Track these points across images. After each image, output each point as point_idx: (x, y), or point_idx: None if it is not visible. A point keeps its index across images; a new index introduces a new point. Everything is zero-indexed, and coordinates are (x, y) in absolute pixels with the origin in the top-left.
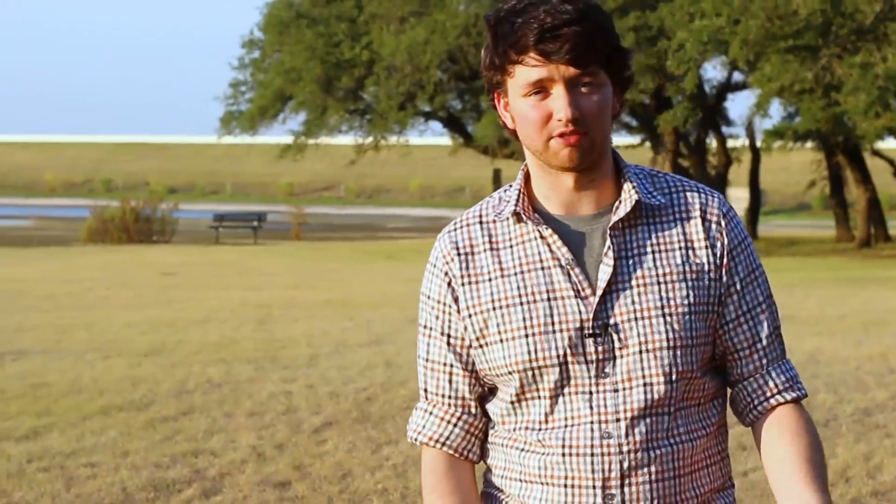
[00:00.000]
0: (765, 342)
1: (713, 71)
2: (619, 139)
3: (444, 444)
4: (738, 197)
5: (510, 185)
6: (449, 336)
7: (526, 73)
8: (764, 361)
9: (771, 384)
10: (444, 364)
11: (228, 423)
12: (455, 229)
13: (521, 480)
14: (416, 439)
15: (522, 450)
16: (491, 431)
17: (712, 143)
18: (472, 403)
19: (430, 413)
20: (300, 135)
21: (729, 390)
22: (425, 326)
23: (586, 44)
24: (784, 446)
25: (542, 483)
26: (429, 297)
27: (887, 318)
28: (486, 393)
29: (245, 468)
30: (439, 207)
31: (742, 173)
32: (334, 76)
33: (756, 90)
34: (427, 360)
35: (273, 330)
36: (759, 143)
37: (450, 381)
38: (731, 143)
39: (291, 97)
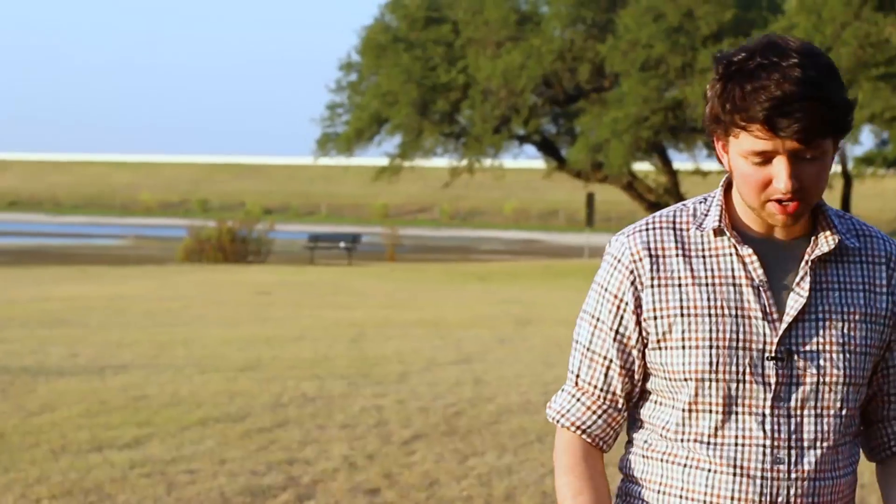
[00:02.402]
0: None
1: None
2: (708, 164)
3: (585, 431)
4: None
5: (705, 197)
6: (618, 332)
7: (751, 141)
8: None
9: None
10: (605, 357)
11: (321, 434)
12: (647, 229)
13: (682, 497)
14: (557, 420)
15: (686, 466)
16: (644, 445)
17: None
18: (621, 400)
19: (578, 400)
20: (396, 157)
21: (864, 424)
22: (594, 316)
23: (816, 122)
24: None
25: (706, 502)
26: (606, 290)
27: None
28: (635, 392)
29: (337, 476)
30: (533, 230)
31: (835, 199)
32: (430, 99)
33: None
34: (588, 350)
35: (365, 348)
36: (850, 170)
37: (606, 375)
38: None
39: (387, 120)
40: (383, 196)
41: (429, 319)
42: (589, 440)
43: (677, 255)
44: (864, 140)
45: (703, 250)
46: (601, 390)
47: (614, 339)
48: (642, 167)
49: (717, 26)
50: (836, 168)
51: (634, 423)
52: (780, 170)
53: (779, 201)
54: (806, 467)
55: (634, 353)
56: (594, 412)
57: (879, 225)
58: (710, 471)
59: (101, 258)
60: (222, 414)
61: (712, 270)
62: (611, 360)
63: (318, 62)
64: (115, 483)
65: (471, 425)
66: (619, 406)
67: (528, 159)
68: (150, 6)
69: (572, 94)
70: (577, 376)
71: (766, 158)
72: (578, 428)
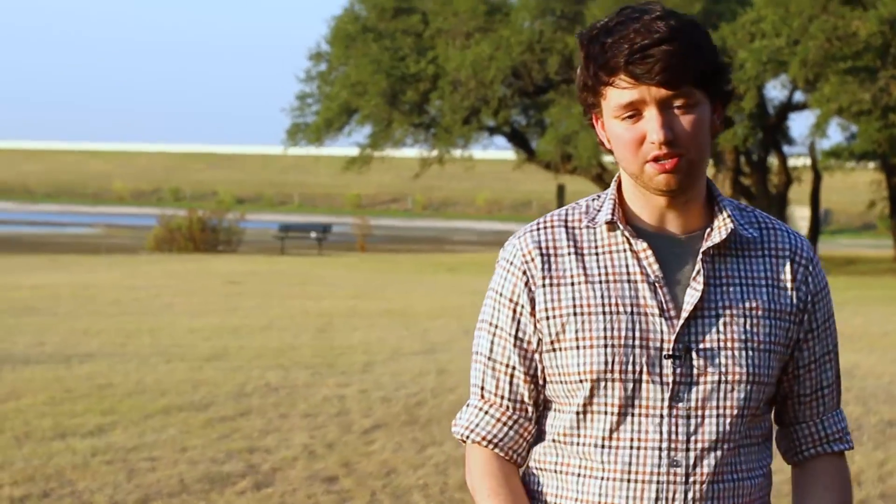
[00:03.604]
0: (825, 391)
1: (776, 91)
2: None
3: (497, 445)
4: (802, 216)
5: (599, 195)
6: (517, 338)
7: (617, 95)
8: (822, 409)
9: (823, 433)
10: (508, 365)
11: (283, 423)
12: (538, 229)
13: None
14: (466, 436)
15: (579, 475)
16: (540, 458)
17: (774, 161)
18: (530, 408)
19: (486, 413)
20: (366, 147)
21: (776, 427)
22: (492, 324)
23: (678, 64)
24: (817, 500)
25: None
26: (501, 295)
27: None
28: (542, 398)
29: (296, 464)
30: (506, 221)
31: (804, 193)
32: (399, 90)
33: (815, 110)
34: (489, 359)
35: (332, 337)
36: (819, 163)
37: (511, 383)
38: (793, 163)
39: (357, 110)
40: (356, 186)
41: (396, 310)
42: (502, 454)
43: (570, 254)
44: (832, 134)
45: (596, 247)
46: (509, 400)
47: (514, 345)
48: (612, 158)
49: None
50: (805, 161)
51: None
52: (650, 120)
53: (656, 159)
54: (705, 470)
55: (536, 357)
56: (504, 423)
57: (850, 218)
58: (602, 478)
59: (72, 247)
60: (185, 402)
61: (606, 268)
62: (514, 368)
63: (291, 51)
64: (77, 469)
65: (431, 415)
66: (529, 415)
67: (499, 150)
68: None
69: (542, 85)
70: (482, 388)
71: (634, 110)
72: (490, 442)
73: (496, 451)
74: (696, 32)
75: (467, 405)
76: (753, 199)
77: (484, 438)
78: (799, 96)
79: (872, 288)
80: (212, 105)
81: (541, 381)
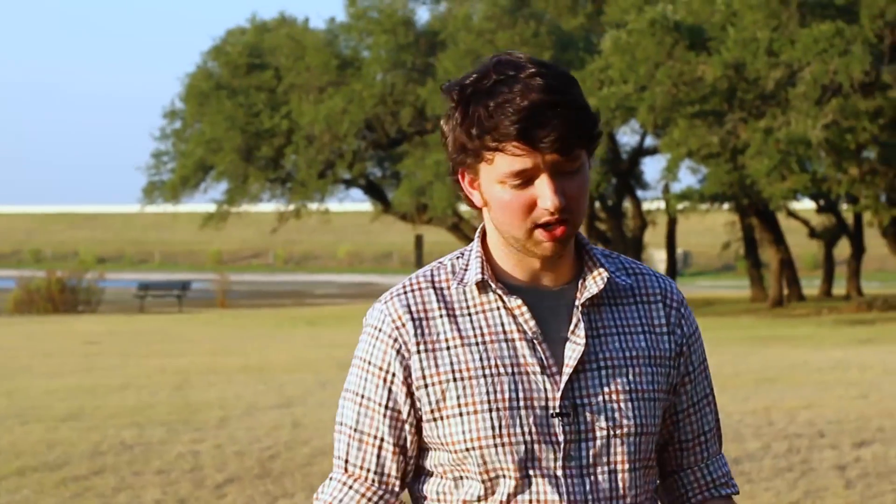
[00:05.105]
0: (707, 436)
1: (626, 136)
2: None
3: None
4: (661, 259)
5: (462, 252)
6: (387, 407)
7: (507, 162)
8: (705, 454)
9: (709, 478)
10: (376, 437)
11: (136, 480)
12: (405, 292)
13: None
14: None
15: None
16: None
17: (629, 206)
18: (397, 482)
19: (350, 487)
20: (222, 203)
21: (661, 477)
22: (358, 394)
23: (572, 130)
24: None
25: None
26: (369, 363)
27: (781, 374)
28: (409, 470)
29: None
30: (367, 273)
31: (660, 236)
32: (254, 145)
33: (666, 154)
34: (355, 430)
35: (188, 394)
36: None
37: (378, 456)
38: (647, 206)
39: (213, 166)
40: (217, 242)
41: (253, 365)
42: None
43: (442, 316)
44: (684, 177)
45: (468, 308)
46: (375, 474)
47: (384, 416)
48: (467, 208)
49: None
50: (660, 205)
51: (422, 497)
52: (543, 187)
53: (546, 224)
54: None
55: (407, 427)
56: (369, 499)
57: (710, 260)
58: None
59: None
60: (40, 463)
61: (481, 328)
62: (382, 440)
63: (146, 109)
64: None
65: (284, 467)
66: (395, 489)
67: (356, 203)
68: None
69: (395, 137)
70: (346, 461)
71: (526, 178)
72: None
73: None
74: (575, 89)
75: (330, 478)
76: (609, 243)
77: None
78: (650, 141)
79: (729, 328)
80: (70, 165)
81: (410, 454)
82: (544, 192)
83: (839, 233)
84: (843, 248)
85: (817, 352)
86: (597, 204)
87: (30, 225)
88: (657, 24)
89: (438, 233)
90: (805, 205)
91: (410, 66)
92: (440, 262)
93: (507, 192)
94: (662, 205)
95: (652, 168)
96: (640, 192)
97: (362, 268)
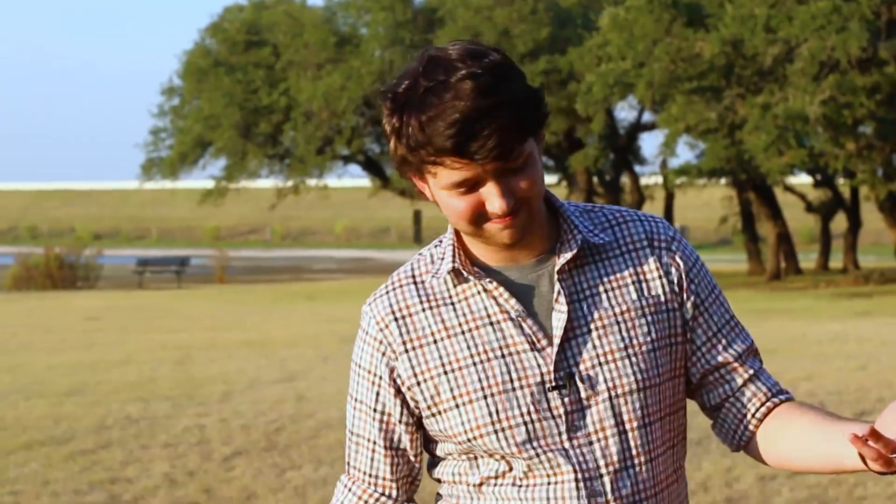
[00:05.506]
0: (744, 357)
1: (624, 112)
2: None
3: None
4: None
5: (440, 241)
6: (376, 410)
7: (447, 174)
8: (751, 372)
9: (763, 388)
10: (369, 440)
11: (144, 454)
12: (387, 292)
13: None
14: None
15: None
16: (451, 499)
17: (627, 181)
18: (393, 485)
19: (350, 489)
20: (221, 180)
21: (712, 416)
22: (353, 397)
23: (510, 134)
24: (798, 418)
25: None
26: (359, 366)
27: (780, 346)
28: (411, 474)
29: (157, 493)
30: (365, 248)
31: (658, 211)
32: (253, 122)
33: (664, 130)
34: (353, 433)
35: (190, 369)
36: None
37: (371, 459)
38: (645, 181)
39: (211, 143)
40: (214, 218)
41: (254, 340)
42: None
43: (424, 311)
44: (682, 152)
45: (449, 297)
46: (370, 476)
47: (374, 419)
48: None
49: (533, 44)
50: (657, 180)
51: (440, 479)
52: (490, 193)
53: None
54: (623, 491)
55: (400, 429)
56: (365, 502)
57: (707, 234)
58: None
59: None
60: (47, 437)
61: (465, 315)
62: (374, 443)
63: (144, 86)
64: None
65: (290, 440)
66: (392, 493)
67: (354, 179)
68: None
69: None
70: (348, 464)
71: (470, 186)
72: None
73: None
74: (509, 80)
75: (339, 481)
76: None
77: None
78: (648, 117)
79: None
80: (65, 142)
81: (411, 456)
82: (491, 198)
83: (836, 207)
84: (839, 223)
85: (816, 324)
86: (595, 179)
87: (25, 202)
88: (655, 1)
89: (436, 208)
90: (802, 179)
91: (408, 42)
92: (420, 254)
93: (453, 199)
94: (660, 180)
95: (650, 143)
96: (637, 168)
97: (360, 243)
